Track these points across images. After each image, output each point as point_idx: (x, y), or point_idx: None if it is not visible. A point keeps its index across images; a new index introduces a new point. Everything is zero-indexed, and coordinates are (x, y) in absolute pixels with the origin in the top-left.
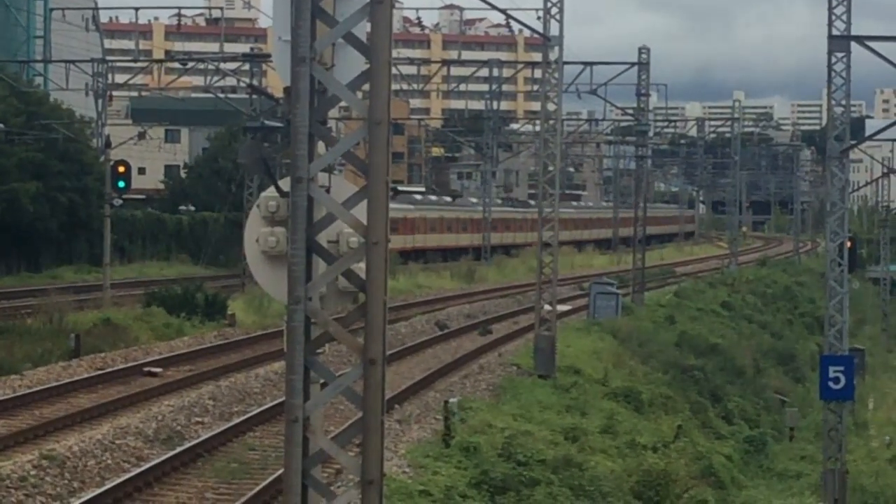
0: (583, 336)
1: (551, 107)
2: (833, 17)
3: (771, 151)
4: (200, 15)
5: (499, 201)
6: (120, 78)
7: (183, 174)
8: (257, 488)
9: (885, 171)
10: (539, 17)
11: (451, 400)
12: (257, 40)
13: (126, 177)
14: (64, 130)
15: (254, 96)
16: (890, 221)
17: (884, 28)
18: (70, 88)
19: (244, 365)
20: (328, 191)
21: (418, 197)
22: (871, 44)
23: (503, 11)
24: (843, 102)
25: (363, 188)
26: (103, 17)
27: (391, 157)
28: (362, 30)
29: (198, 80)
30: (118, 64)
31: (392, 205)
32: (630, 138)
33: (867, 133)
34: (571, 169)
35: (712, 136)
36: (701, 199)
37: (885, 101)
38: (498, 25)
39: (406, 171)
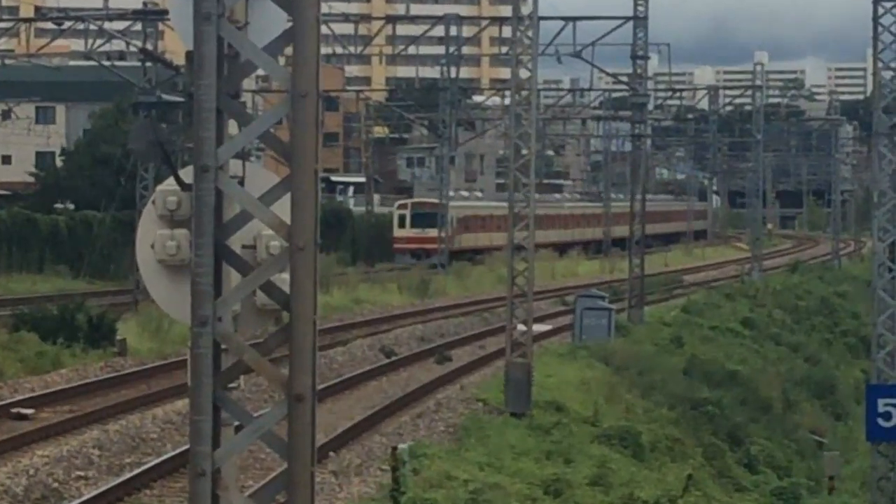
0: (566, 363)
1: (524, 73)
2: None
3: (803, 128)
4: None
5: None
6: None
7: (59, 163)
8: None
9: None
10: None
11: (401, 446)
12: None
13: None
14: None
15: (148, 64)
16: None
17: None
18: None
19: (138, 404)
20: (242, 182)
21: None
22: None
23: None
24: (893, 65)
25: (286, 178)
26: None
27: (322, 138)
28: None
29: (77, 44)
30: None
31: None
32: (625, 113)
33: None
34: (551, 152)
35: (728, 109)
36: (715, 188)
37: None
38: None
39: (342, 157)
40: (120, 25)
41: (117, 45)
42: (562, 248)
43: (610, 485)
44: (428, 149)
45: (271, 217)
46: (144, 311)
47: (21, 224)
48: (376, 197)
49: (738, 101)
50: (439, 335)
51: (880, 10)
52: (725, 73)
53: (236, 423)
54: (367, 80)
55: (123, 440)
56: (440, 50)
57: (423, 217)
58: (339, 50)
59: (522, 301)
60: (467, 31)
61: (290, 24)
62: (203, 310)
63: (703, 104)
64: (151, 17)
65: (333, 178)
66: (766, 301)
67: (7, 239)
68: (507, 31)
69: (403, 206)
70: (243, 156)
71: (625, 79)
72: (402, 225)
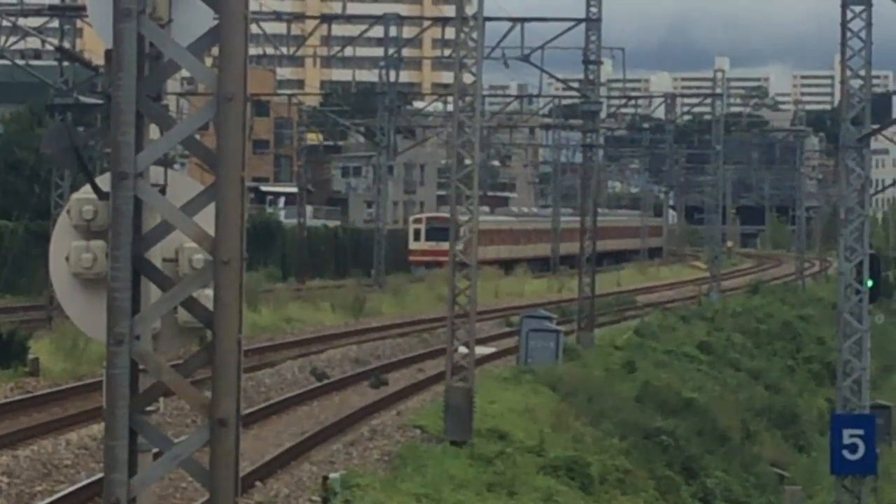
0: (510, 388)
1: (468, 78)
2: None
3: (766, 139)
4: None
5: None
6: None
7: None
8: None
9: None
10: None
11: (333, 475)
12: None
13: None
14: None
15: (65, 63)
16: None
17: None
18: None
19: (51, 428)
20: (163, 191)
21: (515, 209)
22: None
23: None
24: (863, 73)
25: (210, 187)
26: None
27: (250, 145)
28: None
29: None
30: None
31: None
32: (575, 121)
33: (895, 114)
34: (496, 163)
35: (686, 118)
36: (671, 203)
37: None
38: None
39: (272, 165)
40: (35, 22)
41: (32, 42)
42: (506, 265)
43: None
44: (365, 157)
45: (194, 228)
46: (59, 329)
47: None
48: (309, 208)
49: (696, 109)
50: (375, 357)
51: (849, 15)
52: (683, 79)
53: (155, 449)
54: (300, 84)
55: (34, 467)
56: (379, 52)
57: (438, 231)
58: (270, 51)
59: (464, 321)
60: (408, 31)
61: (216, 21)
62: (120, 327)
63: (660, 113)
64: (69, 13)
65: (263, 188)
66: (725, 324)
67: None
68: (450, 33)
69: (418, 221)
70: (165, 162)
71: (576, 85)
72: (416, 238)
